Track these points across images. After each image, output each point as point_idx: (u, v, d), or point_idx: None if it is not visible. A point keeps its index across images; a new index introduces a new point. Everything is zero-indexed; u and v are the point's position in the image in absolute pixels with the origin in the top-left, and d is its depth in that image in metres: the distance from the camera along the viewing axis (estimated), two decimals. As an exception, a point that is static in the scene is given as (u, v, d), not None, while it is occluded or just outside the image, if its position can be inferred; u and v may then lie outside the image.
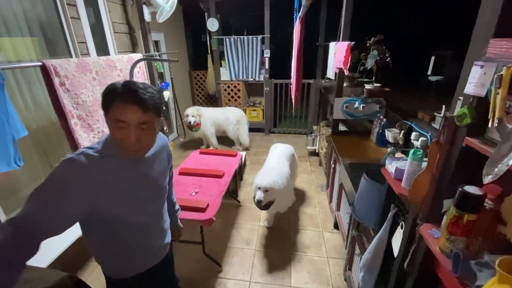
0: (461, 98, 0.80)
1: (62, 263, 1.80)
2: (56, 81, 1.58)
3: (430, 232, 0.83)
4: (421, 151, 0.98)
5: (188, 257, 2.13)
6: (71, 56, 2.22)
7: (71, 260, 1.90)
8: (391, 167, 1.17)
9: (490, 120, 0.65)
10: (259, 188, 2.11)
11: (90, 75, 1.84)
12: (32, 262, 1.08)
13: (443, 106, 0.85)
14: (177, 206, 1.34)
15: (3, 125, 1.34)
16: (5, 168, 1.35)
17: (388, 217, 1.19)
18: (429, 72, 3.16)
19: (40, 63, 1.51)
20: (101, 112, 1.99)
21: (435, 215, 0.85)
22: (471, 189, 0.69)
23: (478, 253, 0.71)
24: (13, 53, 1.86)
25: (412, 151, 1.00)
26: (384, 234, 1.20)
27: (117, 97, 0.75)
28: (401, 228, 1.09)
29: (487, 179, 0.63)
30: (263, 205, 2.14)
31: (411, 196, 0.93)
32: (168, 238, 1.12)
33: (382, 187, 1.31)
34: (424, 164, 0.94)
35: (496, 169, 0.61)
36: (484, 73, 0.69)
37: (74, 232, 1.81)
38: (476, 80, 0.72)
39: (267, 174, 2.18)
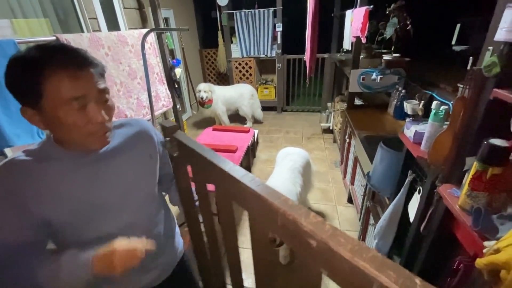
0: (490, 48, 0.74)
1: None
2: (70, 55, 1.60)
3: (450, 191, 0.80)
4: (443, 111, 0.93)
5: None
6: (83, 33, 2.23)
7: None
8: (409, 131, 1.12)
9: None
10: None
11: (103, 50, 1.85)
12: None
13: (470, 57, 0.79)
14: None
15: (24, 98, 1.40)
16: (29, 140, 1.42)
17: (405, 184, 1.16)
18: (453, 42, 2.95)
19: (54, 37, 1.53)
20: (115, 88, 2.03)
21: (456, 175, 0.82)
22: (497, 141, 0.65)
23: (501, 209, 0.69)
24: (30, 34, 1.89)
25: (433, 111, 0.95)
26: (400, 201, 1.18)
27: (52, 66, 0.51)
28: (418, 193, 1.07)
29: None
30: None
31: (431, 157, 0.89)
32: (171, 258, 0.88)
33: (399, 154, 1.28)
34: (446, 127, 0.90)
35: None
36: (519, 15, 0.63)
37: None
38: (508, 24, 0.66)
39: None
